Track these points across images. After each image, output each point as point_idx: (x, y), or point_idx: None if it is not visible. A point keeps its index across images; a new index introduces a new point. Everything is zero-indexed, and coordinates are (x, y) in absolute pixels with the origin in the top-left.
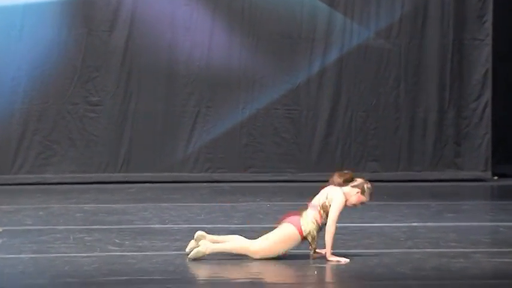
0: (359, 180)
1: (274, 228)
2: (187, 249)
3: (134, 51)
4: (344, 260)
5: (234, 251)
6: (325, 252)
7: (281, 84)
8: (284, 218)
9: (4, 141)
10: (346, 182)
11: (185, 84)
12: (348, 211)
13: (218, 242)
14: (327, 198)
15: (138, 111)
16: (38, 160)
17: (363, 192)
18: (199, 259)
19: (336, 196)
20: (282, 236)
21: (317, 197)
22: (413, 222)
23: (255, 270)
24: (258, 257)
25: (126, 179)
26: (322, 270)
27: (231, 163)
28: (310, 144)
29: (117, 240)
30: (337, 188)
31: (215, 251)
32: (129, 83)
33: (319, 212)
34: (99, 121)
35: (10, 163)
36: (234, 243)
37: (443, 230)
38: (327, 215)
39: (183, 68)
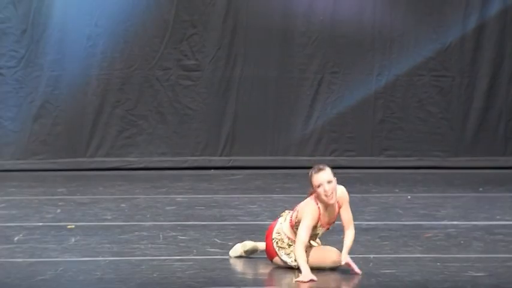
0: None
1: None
2: (231, 253)
3: (240, 2)
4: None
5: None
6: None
7: (427, 44)
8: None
9: (78, 116)
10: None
11: (304, 45)
12: None
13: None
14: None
15: (244, 79)
16: (120, 140)
17: (312, 183)
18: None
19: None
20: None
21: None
22: None
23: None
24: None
25: (230, 164)
26: None
27: (362, 144)
28: (464, 121)
29: (217, 240)
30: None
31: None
32: (234, 42)
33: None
34: (196, 91)
35: (85, 143)
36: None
37: None
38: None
39: (301, 23)
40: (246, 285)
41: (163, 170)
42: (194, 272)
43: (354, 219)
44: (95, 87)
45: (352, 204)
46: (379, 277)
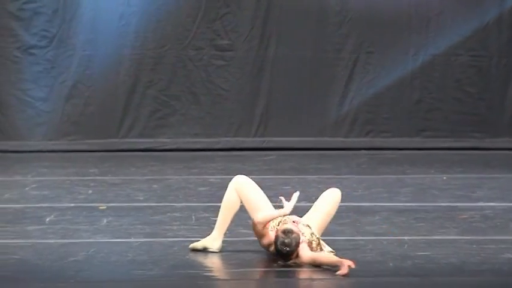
0: None
1: None
2: (197, 246)
3: None
4: None
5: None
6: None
7: (465, 23)
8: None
9: (110, 97)
10: None
11: (339, 24)
12: None
13: None
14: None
15: (278, 59)
16: (152, 120)
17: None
18: None
19: None
20: None
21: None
22: None
23: None
24: None
25: (263, 145)
26: None
27: (398, 125)
28: (502, 101)
29: (250, 222)
30: None
31: None
32: (268, 22)
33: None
34: (230, 71)
35: (117, 124)
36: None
37: None
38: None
39: (336, 2)
40: (278, 267)
41: (196, 151)
42: (227, 253)
43: (389, 201)
44: (127, 67)
45: (387, 185)
46: (414, 259)
